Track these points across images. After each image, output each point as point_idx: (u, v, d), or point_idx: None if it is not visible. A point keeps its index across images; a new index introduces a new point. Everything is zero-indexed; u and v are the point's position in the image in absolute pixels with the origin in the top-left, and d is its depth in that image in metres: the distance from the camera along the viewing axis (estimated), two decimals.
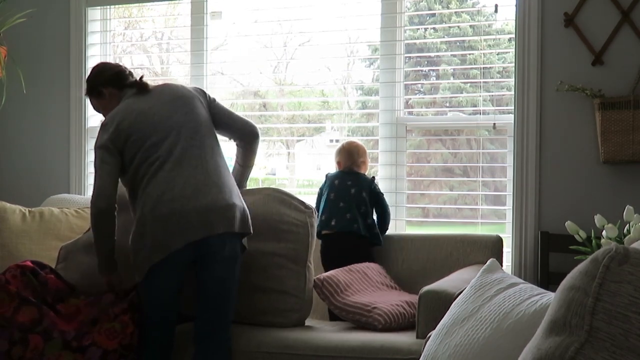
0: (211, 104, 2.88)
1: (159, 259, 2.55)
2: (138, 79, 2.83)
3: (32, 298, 2.60)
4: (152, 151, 2.65)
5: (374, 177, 3.36)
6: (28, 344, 2.47)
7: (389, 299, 2.91)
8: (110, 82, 2.82)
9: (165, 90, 2.82)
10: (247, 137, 2.97)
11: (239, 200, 2.70)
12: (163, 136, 2.66)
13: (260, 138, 3.04)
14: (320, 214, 3.30)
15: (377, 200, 3.32)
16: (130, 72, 2.89)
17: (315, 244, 3.29)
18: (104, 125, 2.72)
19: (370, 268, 3.11)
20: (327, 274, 2.95)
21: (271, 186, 3.44)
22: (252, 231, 2.73)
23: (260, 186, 3.81)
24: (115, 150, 2.67)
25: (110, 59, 4.16)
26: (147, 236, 2.57)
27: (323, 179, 3.42)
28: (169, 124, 2.68)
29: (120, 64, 2.96)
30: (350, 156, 3.36)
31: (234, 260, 2.66)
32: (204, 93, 2.90)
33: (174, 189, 2.58)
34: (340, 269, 3.03)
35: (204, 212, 2.57)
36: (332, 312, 3.00)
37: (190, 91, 2.84)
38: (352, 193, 3.27)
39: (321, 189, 3.40)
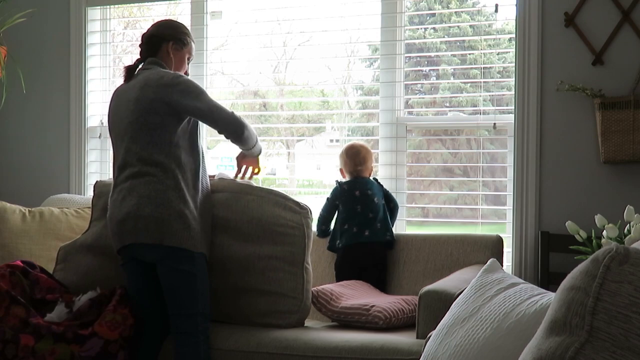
0: (175, 104, 2.67)
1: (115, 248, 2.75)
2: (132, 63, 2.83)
3: (21, 297, 2.61)
4: (115, 151, 2.82)
5: (376, 179, 3.35)
6: (19, 343, 2.48)
7: (385, 299, 2.92)
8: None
9: (136, 84, 2.72)
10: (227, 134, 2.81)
11: (161, 209, 2.58)
12: (120, 139, 2.74)
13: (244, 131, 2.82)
14: (340, 225, 3.26)
15: (388, 197, 3.33)
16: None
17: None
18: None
19: (359, 282, 3.11)
20: (320, 286, 2.96)
21: (270, 186, 3.42)
22: (179, 243, 2.60)
23: (261, 186, 3.80)
24: None
25: (110, 59, 4.16)
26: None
27: (323, 179, 3.39)
28: (122, 127, 2.72)
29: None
30: (356, 162, 3.31)
31: (171, 268, 2.63)
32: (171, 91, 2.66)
33: (114, 194, 2.72)
34: (332, 283, 3.05)
35: (119, 222, 2.66)
36: None
37: (156, 90, 2.66)
38: (376, 202, 3.25)
39: (333, 198, 3.31)
